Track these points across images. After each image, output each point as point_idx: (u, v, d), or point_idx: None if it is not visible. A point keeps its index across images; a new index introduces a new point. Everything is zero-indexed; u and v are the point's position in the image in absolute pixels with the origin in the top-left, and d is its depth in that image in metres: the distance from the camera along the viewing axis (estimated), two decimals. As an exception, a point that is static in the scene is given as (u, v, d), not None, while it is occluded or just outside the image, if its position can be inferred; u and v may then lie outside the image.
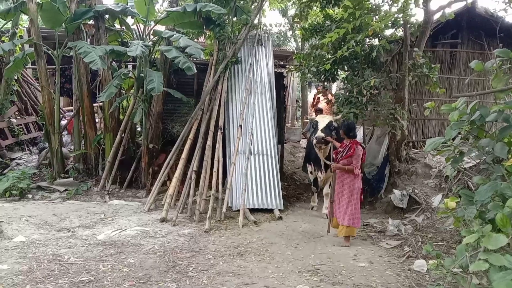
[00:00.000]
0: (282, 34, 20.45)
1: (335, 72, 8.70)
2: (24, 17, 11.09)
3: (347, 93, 8.11)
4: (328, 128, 7.03)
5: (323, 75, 8.71)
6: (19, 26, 11.22)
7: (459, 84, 9.34)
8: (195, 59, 9.18)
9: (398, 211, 7.41)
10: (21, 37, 11.26)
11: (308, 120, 9.30)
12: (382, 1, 7.98)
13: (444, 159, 4.32)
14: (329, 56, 8.43)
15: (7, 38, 10.74)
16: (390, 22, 7.68)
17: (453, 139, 2.97)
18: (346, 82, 8.39)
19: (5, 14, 9.92)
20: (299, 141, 14.28)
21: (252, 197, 7.72)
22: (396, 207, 7.44)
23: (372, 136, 9.20)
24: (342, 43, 7.70)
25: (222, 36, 9.10)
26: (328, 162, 7.06)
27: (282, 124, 10.52)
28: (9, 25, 10.81)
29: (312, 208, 8.27)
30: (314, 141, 7.02)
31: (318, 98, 10.94)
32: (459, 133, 2.96)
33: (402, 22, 7.78)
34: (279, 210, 7.62)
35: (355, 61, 8.16)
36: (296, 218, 7.41)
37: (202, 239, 5.98)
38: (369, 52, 7.81)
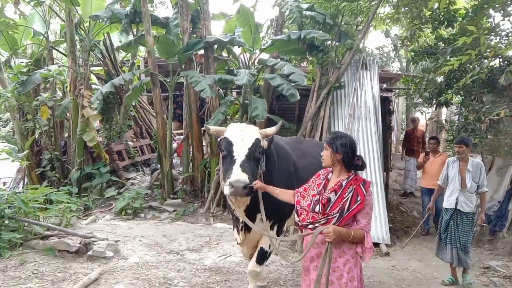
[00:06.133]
0: (385, 55, 19.74)
1: (450, 97, 8.07)
2: (141, 48, 12.12)
3: (463, 120, 7.46)
4: (253, 158, 3.47)
5: (434, 100, 8.15)
6: (137, 57, 12.34)
7: None
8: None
9: (526, 254, 6.54)
10: (138, 67, 12.34)
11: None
12: (503, 19, 7.28)
13: None
14: (442, 79, 7.89)
15: (127, 68, 11.86)
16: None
17: None
18: (461, 107, 7.73)
19: (126, 47, 11.01)
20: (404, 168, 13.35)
21: (356, 228, 7.35)
22: (524, 249, 6.58)
23: (492, 167, 8.28)
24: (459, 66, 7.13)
25: (325, 62, 9.01)
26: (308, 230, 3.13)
27: (387, 150, 9.99)
28: (129, 56, 11.95)
29: None
30: (227, 191, 3.27)
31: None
32: None
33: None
34: (386, 244, 7.17)
35: (472, 85, 7.49)
36: (405, 255, 6.91)
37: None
38: (490, 76, 7.12)
